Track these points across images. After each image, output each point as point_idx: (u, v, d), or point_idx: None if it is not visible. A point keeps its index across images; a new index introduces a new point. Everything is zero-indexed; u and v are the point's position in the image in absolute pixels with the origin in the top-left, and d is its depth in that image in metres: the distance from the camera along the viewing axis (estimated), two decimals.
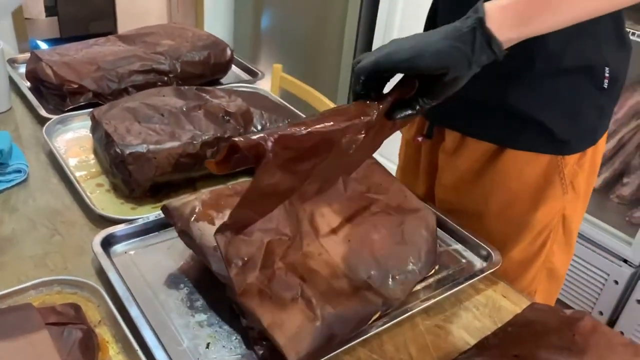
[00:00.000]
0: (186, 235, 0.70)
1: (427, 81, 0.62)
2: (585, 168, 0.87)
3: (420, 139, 0.96)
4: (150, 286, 0.71)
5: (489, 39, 0.60)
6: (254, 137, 0.54)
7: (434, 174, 0.97)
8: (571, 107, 0.82)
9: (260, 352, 0.62)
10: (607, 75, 0.81)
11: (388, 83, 0.65)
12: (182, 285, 0.71)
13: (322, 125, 0.58)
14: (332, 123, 0.59)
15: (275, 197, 0.62)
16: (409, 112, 0.64)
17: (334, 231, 0.71)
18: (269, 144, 0.54)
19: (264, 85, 1.38)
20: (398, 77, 0.65)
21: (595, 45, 0.79)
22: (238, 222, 0.60)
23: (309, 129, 0.57)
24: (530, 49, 0.76)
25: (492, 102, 0.83)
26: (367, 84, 0.63)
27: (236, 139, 0.54)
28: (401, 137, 1.07)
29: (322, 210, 0.72)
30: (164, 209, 0.73)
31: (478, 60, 0.61)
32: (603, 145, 0.89)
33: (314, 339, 0.59)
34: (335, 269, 0.67)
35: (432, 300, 0.71)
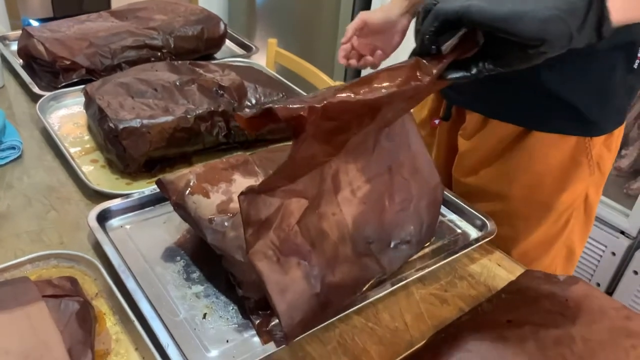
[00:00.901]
0: (181, 209, 0.70)
1: (501, 45, 0.53)
2: (612, 148, 0.86)
3: (437, 121, 0.94)
4: (147, 259, 0.71)
5: (601, 19, 0.52)
6: (295, 105, 0.49)
7: (449, 156, 0.96)
8: (602, 87, 0.80)
9: (257, 321, 0.63)
10: (639, 55, 0.79)
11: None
12: (178, 258, 0.72)
13: (371, 93, 0.53)
14: (382, 90, 0.53)
15: (309, 165, 0.59)
16: (464, 74, 0.56)
17: (353, 192, 0.69)
18: (312, 116, 0.49)
19: (260, 60, 1.37)
20: None
21: (630, 25, 0.77)
22: (266, 187, 0.58)
23: (358, 98, 0.52)
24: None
25: (519, 83, 0.81)
26: (438, 33, 0.53)
27: (275, 106, 0.49)
28: None
29: (347, 167, 0.68)
30: (159, 182, 0.73)
31: (578, 41, 0.52)
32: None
33: (310, 308, 0.60)
34: (343, 232, 0.65)
35: (428, 270, 0.71)
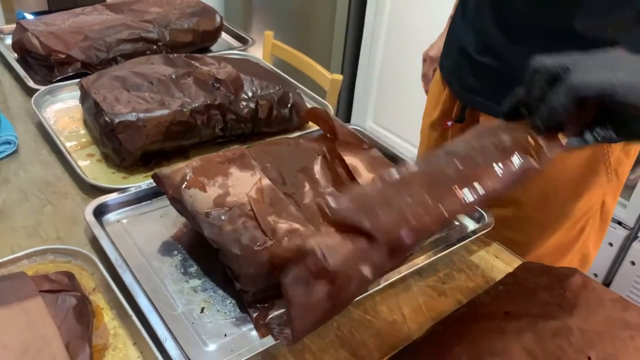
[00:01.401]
0: (178, 203, 0.70)
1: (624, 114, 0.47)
2: (631, 155, 0.85)
3: (449, 123, 0.93)
4: (144, 253, 0.71)
5: None
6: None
7: None
8: None
9: (255, 314, 0.63)
10: None
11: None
12: (175, 252, 0.72)
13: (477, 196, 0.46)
14: (488, 188, 0.46)
15: None
16: (581, 142, 0.51)
17: None
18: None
19: (256, 53, 1.36)
20: None
21: None
22: None
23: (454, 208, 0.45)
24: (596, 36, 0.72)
25: None
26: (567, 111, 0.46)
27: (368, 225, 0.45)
28: (422, 119, 1.04)
29: None
30: (155, 177, 0.73)
31: None
32: None
33: (323, 311, 0.59)
34: None
35: (425, 262, 0.71)
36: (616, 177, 0.85)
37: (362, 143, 0.84)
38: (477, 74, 0.84)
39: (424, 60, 1.12)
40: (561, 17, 0.73)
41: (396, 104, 2.03)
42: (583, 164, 0.82)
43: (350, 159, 0.79)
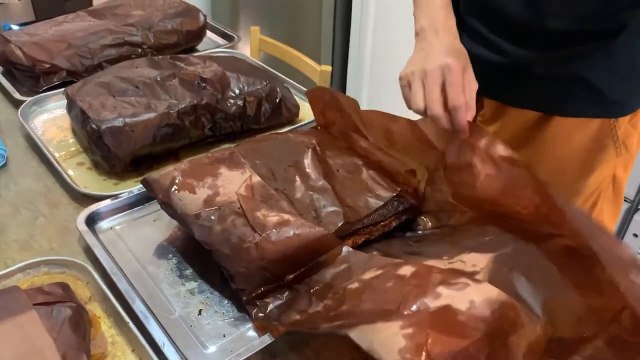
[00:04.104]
0: (168, 206, 0.69)
1: None
2: (639, 127, 0.84)
3: None
4: (139, 259, 0.70)
5: None
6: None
7: None
8: (626, 68, 0.78)
9: (253, 311, 0.62)
10: None
11: None
12: (170, 256, 0.71)
13: None
14: None
15: None
16: None
17: None
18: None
19: (244, 49, 1.35)
20: None
21: None
22: None
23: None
24: (594, 12, 0.73)
25: (538, 68, 0.79)
26: None
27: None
28: None
29: None
30: (144, 181, 0.73)
31: None
32: None
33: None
34: None
35: None
36: (625, 150, 0.84)
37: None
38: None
39: None
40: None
41: (389, 92, 2.02)
42: (590, 141, 0.82)
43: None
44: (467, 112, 0.66)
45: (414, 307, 0.51)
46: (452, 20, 0.73)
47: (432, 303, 0.52)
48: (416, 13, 0.75)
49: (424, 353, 0.46)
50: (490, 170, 0.68)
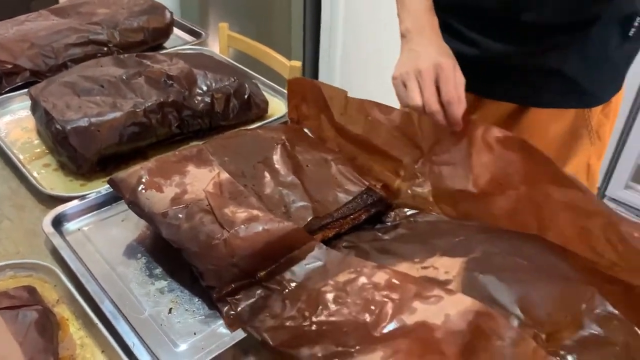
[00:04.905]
0: (135, 206, 0.69)
1: None
2: (611, 116, 0.86)
3: None
4: (107, 260, 0.70)
5: None
6: None
7: None
8: (599, 58, 0.80)
9: (224, 308, 0.62)
10: (636, 24, 0.79)
11: None
12: (139, 255, 0.71)
13: None
14: None
15: None
16: None
17: None
18: None
19: (214, 47, 1.34)
20: None
21: None
22: None
23: None
24: (568, 5, 0.75)
25: (515, 61, 0.81)
26: None
27: None
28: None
29: None
30: (111, 181, 0.72)
31: None
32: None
33: None
34: None
35: None
36: (598, 139, 0.86)
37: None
38: None
39: None
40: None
41: (361, 86, 2.02)
42: (566, 131, 0.84)
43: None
44: (459, 106, 0.70)
45: (391, 326, 0.52)
46: (435, 21, 0.77)
47: (409, 319, 0.52)
48: (401, 15, 0.78)
49: None
50: (484, 158, 0.70)
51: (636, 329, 0.54)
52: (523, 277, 0.58)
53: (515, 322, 0.53)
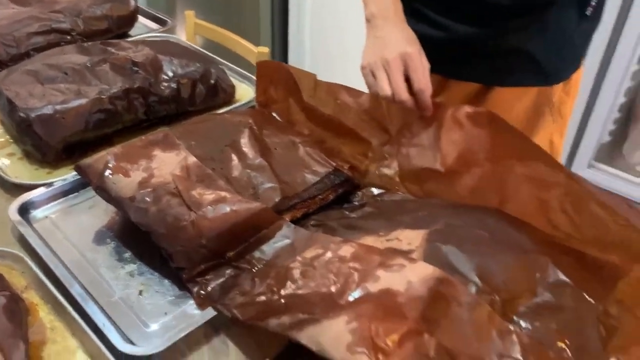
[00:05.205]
0: (103, 191, 0.69)
1: None
2: (571, 93, 0.89)
3: None
4: (76, 246, 0.70)
5: None
6: None
7: None
8: (559, 37, 0.82)
9: (194, 288, 0.63)
10: (593, 3, 0.82)
11: None
12: (108, 240, 0.71)
13: None
14: None
15: None
16: None
17: None
18: None
19: (181, 35, 1.33)
20: None
21: None
22: None
23: None
24: None
25: (479, 42, 0.83)
26: None
27: None
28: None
29: None
30: (77, 168, 0.72)
31: None
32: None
33: None
34: None
35: None
36: (560, 116, 0.89)
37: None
38: None
39: None
40: None
41: (331, 70, 2.03)
42: (529, 110, 0.86)
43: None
44: (429, 93, 0.72)
45: (356, 294, 0.54)
46: (399, 5, 0.78)
47: (373, 287, 0.54)
48: None
49: (370, 343, 0.48)
50: (453, 136, 0.72)
51: (586, 295, 0.57)
52: (482, 248, 0.60)
53: (473, 289, 0.55)
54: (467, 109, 0.71)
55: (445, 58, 0.85)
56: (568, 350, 0.53)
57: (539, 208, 0.65)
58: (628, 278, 0.58)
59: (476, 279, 0.56)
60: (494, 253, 0.59)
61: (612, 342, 0.54)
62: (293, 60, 2.23)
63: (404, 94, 0.71)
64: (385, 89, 0.72)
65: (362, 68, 0.75)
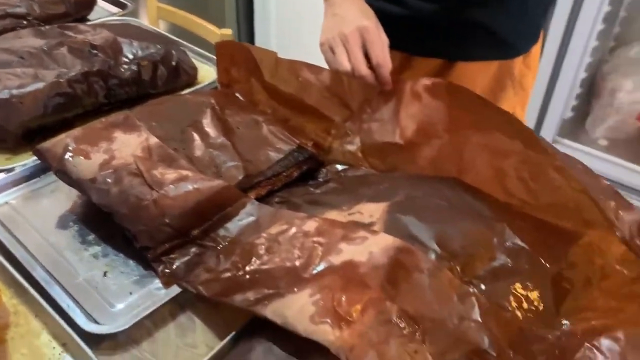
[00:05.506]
0: (63, 174, 0.68)
1: None
2: (532, 66, 0.90)
3: None
4: (38, 230, 0.69)
5: None
6: None
7: None
8: (518, 9, 0.83)
9: (159, 267, 0.63)
10: None
11: None
12: (71, 224, 0.70)
13: None
14: None
15: None
16: None
17: None
18: None
19: (144, 20, 1.31)
20: None
21: None
22: None
23: None
24: None
25: (440, 17, 0.83)
26: None
27: None
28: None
29: None
30: (36, 151, 0.71)
31: None
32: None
33: None
34: None
35: None
36: (522, 89, 0.91)
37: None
38: None
39: None
40: None
41: (298, 50, 2.02)
42: (491, 83, 0.88)
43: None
44: (387, 67, 0.73)
45: (319, 267, 0.55)
46: None
47: (336, 260, 0.55)
48: None
49: (333, 314, 0.49)
50: (412, 109, 0.73)
51: (541, 259, 0.59)
52: (441, 216, 0.61)
53: (432, 256, 0.56)
54: (425, 81, 0.72)
55: (407, 35, 0.86)
56: (525, 312, 0.55)
57: (495, 176, 0.66)
58: (581, 242, 0.60)
59: (435, 247, 0.58)
60: (453, 221, 0.61)
61: (564, 304, 0.56)
62: (260, 41, 2.22)
63: (363, 69, 0.72)
64: (345, 64, 0.72)
65: (321, 45, 0.75)
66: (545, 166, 0.62)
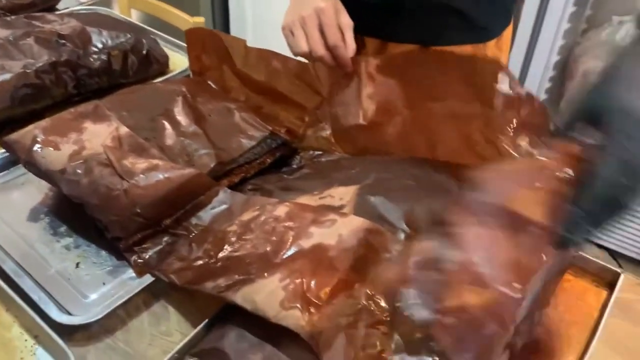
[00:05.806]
0: (32, 166, 0.68)
1: None
2: (504, 49, 0.91)
3: None
4: (8, 223, 0.68)
5: None
6: None
7: None
8: None
9: (132, 257, 0.63)
10: None
11: None
12: (42, 216, 0.70)
13: None
14: None
15: None
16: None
17: None
18: None
19: (115, 9, 1.29)
20: None
21: None
22: None
23: None
24: None
25: (412, 2, 0.83)
26: None
27: None
28: None
29: None
30: (4, 144, 0.70)
31: None
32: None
33: None
34: None
35: None
36: None
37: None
38: None
39: None
40: None
41: (273, 40, 2.02)
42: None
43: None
44: (347, 50, 0.72)
45: (290, 252, 0.55)
46: None
47: (306, 244, 0.55)
48: None
49: (303, 298, 0.50)
50: (369, 90, 0.73)
51: None
52: (409, 196, 0.62)
53: (401, 236, 0.57)
54: (376, 60, 0.72)
55: (381, 21, 0.87)
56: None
57: (465, 144, 0.67)
58: None
59: (404, 226, 0.58)
60: (420, 199, 0.62)
61: None
62: (235, 30, 2.20)
63: (320, 50, 0.72)
64: (303, 46, 0.72)
65: (283, 29, 0.75)
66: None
